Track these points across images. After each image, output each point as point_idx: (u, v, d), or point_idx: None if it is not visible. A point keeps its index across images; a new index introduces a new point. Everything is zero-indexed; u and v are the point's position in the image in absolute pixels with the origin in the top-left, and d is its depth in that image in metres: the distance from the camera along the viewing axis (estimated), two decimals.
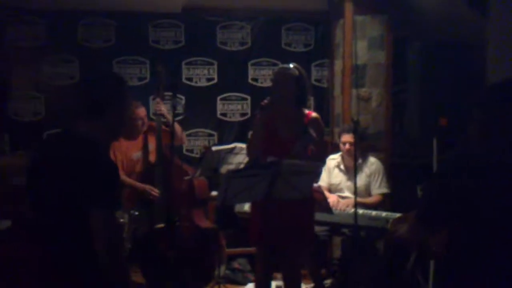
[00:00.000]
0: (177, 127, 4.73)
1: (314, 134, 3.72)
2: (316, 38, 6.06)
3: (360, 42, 5.63)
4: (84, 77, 4.52)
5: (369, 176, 4.90)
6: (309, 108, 3.94)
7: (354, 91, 5.63)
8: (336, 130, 5.72)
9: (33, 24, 5.47)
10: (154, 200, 4.55)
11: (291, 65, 3.83)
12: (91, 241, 2.24)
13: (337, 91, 5.86)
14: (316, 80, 6.04)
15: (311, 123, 3.80)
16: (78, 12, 5.55)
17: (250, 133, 5.01)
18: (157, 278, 4.42)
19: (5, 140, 5.35)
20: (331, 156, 5.10)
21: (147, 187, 4.58)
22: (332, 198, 4.73)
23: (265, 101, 3.80)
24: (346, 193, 4.91)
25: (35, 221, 2.55)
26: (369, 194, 4.90)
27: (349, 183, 4.85)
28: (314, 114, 3.88)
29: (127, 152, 4.78)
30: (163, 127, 4.65)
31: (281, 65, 4.01)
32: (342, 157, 4.98)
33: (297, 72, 3.79)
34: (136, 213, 4.43)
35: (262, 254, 3.94)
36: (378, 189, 4.89)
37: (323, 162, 4.01)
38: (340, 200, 4.80)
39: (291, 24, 6.02)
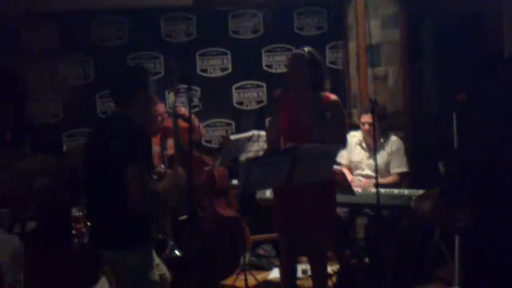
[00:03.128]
0: (195, 122, 4.76)
1: (329, 118, 3.69)
2: (328, 21, 6.03)
3: (373, 21, 5.58)
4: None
5: (390, 154, 4.88)
6: (327, 91, 3.90)
7: (370, 71, 5.59)
8: (354, 111, 5.69)
9: (46, 25, 5.51)
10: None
11: (306, 49, 3.80)
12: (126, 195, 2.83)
13: (352, 72, 5.83)
14: (331, 62, 6.01)
15: (330, 106, 3.77)
16: (89, 11, 5.58)
17: (267, 120, 5.01)
18: (183, 269, 4.44)
19: (27, 143, 5.41)
20: (352, 133, 5.06)
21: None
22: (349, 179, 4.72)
23: (278, 91, 3.80)
24: (367, 171, 4.89)
25: None
26: (389, 172, 4.88)
27: (370, 161, 4.84)
28: (333, 97, 3.83)
29: None
30: (181, 123, 4.67)
31: (294, 50, 3.98)
32: (363, 135, 4.96)
33: (309, 56, 3.77)
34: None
35: (285, 239, 3.94)
36: (398, 168, 4.87)
37: (344, 144, 3.98)
38: (358, 179, 4.80)
39: (303, 8, 6.00)
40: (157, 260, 3.23)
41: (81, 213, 4.58)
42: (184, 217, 4.39)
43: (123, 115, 3.04)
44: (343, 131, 3.94)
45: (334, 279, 4.69)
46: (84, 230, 4.51)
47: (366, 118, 4.82)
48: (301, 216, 3.71)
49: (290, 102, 3.83)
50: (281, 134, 3.87)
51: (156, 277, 3.09)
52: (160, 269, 3.24)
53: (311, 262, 4.03)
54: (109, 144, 2.96)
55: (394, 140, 4.95)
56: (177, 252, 4.34)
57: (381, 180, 4.60)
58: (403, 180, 4.89)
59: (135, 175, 2.84)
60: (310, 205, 3.69)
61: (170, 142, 4.79)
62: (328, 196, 3.86)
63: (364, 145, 4.97)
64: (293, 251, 3.96)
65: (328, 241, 4.13)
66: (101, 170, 2.97)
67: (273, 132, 3.90)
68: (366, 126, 4.83)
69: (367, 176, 4.85)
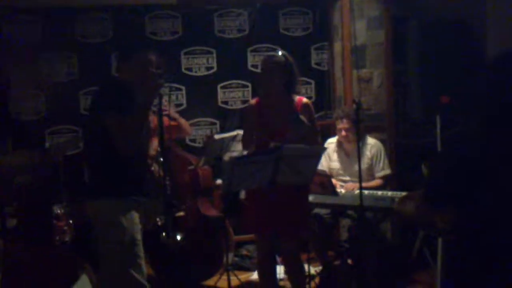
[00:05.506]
0: (183, 120, 4.75)
1: (305, 121, 3.70)
2: (314, 21, 6.02)
3: (358, 22, 5.59)
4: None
5: (371, 158, 4.84)
6: (299, 93, 3.93)
7: (354, 73, 5.59)
8: None
9: (29, 22, 5.44)
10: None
11: (279, 53, 3.83)
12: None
13: (337, 73, 5.83)
14: (316, 64, 6.01)
15: (302, 109, 3.79)
16: (74, 8, 5.52)
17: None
18: (166, 269, 4.42)
19: (9, 139, 5.34)
20: (329, 140, 5.06)
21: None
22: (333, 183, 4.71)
23: (253, 101, 3.84)
24: (347, 177, 4.86)
25: None
26: (371, 176, 4.84)
27: (350, 167, 4.82)
28: (305, 100, 3.87)
29: None
30: (166, 121, 4.64)
31: (267, 53, 4.00)
32: (340, 141, 4.94)
33: (283, 59, 3.78)
34: None
35: (261, 240, 3.94)
36: (381, 171, 4.84)
37: (321, 146, 4.00)
38: (341, 183, 4.79)
39: (289, 9, 5.98)
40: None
41: (62, 211, 4.55)
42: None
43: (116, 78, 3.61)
44: (316, 134, 3.95)
45: (316, 280, 4.68)
46: (65, 228, 4.47)
47: (342, 125, 4.79)
48: (272, 217, 3.71)
49: (264, 104, 3.84)
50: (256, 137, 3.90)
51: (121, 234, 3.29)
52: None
53: (285, 264, 4.02)
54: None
55: (372, 144, 4.91)
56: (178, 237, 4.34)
57: (365, 184, 4.61)
58: (387, 183, 4.88)
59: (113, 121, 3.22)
60: (281, 206, 3.69)
61: (155, 142, 4.74)
62: (300, 197, 3.86)
63: (341, 151, 4.95)
64: (269, 251, 3.95)
65: (300, 245, 4.11)
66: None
67: (248, 138, 3.92)
68: (343, 133, 4.79)
69: (347, 182, 4.82)
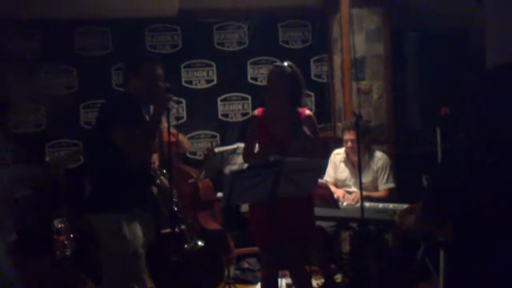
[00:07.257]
0: (181, 136, 4.74)
1: (308, 132, 3.70)
2: (313, 34, 6.04)
3: (357, 35, 5.60)
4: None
5: (376, 171, 4.86)
6: (303, 106, 3.92)
7: (354, 85, 5.60)
8: (339, 124, 5.70)
9: (29, 35, 5.45)
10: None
11: (285, 63, 3.82)
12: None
13: (337, 85, 5.84)
14: (316, 76, 6.02)
15: (305, 121, 3.79)
16: (73, 21, 5.53)
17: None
18: (167, 282, 4.40)
19: (9, 153, 5.32)
20: (336, 151, 5.08)
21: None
22: (338, 193, 4.71)
23: (257, 111, 3.82)
24: (353, 188, 4.87)
25: None
26: (376, 189, 4.85)
27: (356, 178, 4.82)
28: (307, 112, 3.87)
29: None
30: (166, 137, 4.63)
31: (274, 64, 3.98)
32: (347, 152, 4.95)
33: (290, 70, 3.78)
34: None
35: (265, 252, 3.93)
36: (385, 184, 4.85)
37: (322, 158, 3.98)
38: (347, 195, 4.78)
39: (288, 21, 6.00)
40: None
41: (63, 225, 4.53)
42: (168, 230, 4.35)
43: (124, 91, 3.54)
44: (318, 146, 3.94)
45: None
46: (66, 242, 4.45)
47: (349, 136, 4.80)
48: (279, 230, 3.69)
49: (268, 115, 3.84)
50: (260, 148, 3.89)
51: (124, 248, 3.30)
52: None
53: (291, 276, 4.02)
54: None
55: (380, 157, 4.93)
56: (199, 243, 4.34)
57: (370, 194, 4.62)
58: (391, 195, 4.88)
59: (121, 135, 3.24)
60: (287, 219, 3.68)
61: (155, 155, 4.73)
62: (305, 210, 3.85)
63: (348, 162, 4.95)
64: (273, 264, 3.94)
65: (307, 255, 4.11)
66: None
67: (251, 151, 3.91)
68: (349, 144, 4.81)
69: (353, 193, 4.82)
